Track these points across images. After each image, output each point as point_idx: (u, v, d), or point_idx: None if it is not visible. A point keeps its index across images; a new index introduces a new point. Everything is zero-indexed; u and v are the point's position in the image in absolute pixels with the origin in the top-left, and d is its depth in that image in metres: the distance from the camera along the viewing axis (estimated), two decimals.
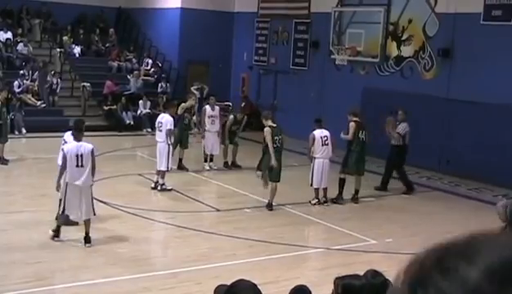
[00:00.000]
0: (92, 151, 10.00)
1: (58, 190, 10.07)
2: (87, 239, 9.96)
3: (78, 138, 10.04)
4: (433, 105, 17.67)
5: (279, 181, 12.81)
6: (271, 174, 12.67)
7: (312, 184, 13.35)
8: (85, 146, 9.94)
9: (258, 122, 14.69)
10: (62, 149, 10.15)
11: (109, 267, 9.18)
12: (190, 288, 8.54)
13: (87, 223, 9.97)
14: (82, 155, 9.80)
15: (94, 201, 10.18)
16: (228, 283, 3.90)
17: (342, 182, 13.63)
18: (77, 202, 9.86)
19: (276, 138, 12.62)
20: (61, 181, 9.97)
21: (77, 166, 9.78)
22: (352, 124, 13.76)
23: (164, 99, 22.77)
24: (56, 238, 10.07)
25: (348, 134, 13.73)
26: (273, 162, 12.56)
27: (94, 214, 10.10)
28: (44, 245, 9.90)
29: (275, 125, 12.91)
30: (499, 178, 15.71)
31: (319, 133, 13.47)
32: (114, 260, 9.45)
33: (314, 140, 13.36)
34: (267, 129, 12.68)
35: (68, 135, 10.46)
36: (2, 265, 9.36)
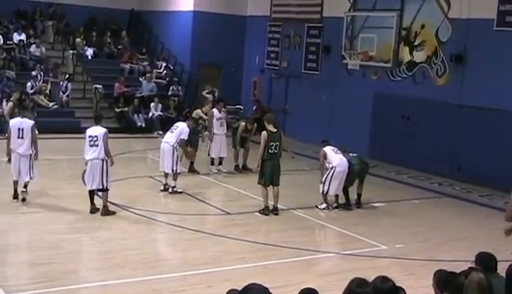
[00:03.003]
0: (32, 127, 12.16)
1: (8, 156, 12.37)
2: (23, 197, 12.27)
3: (22, 115, 12.55)
4: (445, 111, 17.61)
5: (278, 185, 12.76)
6: (264, 177, 12.65)
7: (327, 192, 13.29)
8: (27, 122, 12.21)
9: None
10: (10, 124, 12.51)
11: (119, 269, 9.19)
12: (201, 291, 8.54)
13: (25, 184, 12.31)
14: (22, 129, 12.09)
15: (32, 166, 12.26)
16: (238, 287, 3.91)
17: (346, 189, 13.59)
18: (17, 165, 12.15)
19: (272, 144, 12.53)
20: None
21: (18, 137, 12.11)
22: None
23: (176, 101, 22.89)
24: (14, 200, 12.21)
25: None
26: (257, 165, 12.67)
27: (30, 177, 12.28)
28: (55, 246, 9.94)
29: (275, 130, 12.73)
30: (511, 185, 15.61)
31: (328, 147, 13.48)
32: (125, 262, 9.46)
33: (325, 154, 13.34)
34: (263, 133, 12.68)
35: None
36: (13, 265, 9.42)
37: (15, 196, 12.36)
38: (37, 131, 13.96)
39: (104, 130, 11.82)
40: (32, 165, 12.36)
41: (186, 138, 14.03)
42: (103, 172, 11.68)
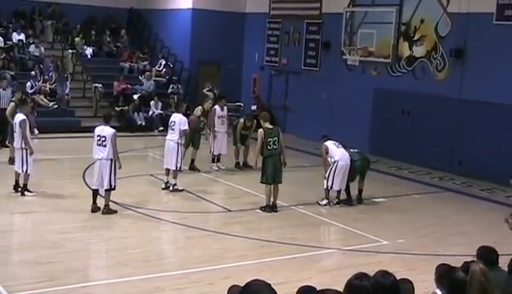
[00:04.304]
0: (21, 122, 12.67)
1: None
2: (22, 190, 12.74)
3: (20, 110, 13.23)
4: (445, 106, 17.60)
5: (281, 182, 12.75)
6: (266, 176, 12.64)
7: (331, 187, 13.27)
8: (18, 118, 12.84)
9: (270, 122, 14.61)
10: None
11: (121, 267, 9.20)
12: (202, 288, 8.55)
13: (22, 175, 12.80)
14: (15, 123, 12.89)
15: (25, 161, 12.66)
16: (240, 284, 3.90)
17: (347, 185, 13.56)
18: (15, 158, 12.99)
19: (270, 140, 12.51)
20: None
21: (14, 131, 13.04)
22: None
23: (176, 99, 22.90)
24: (13, 190, 12.84)
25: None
26: (255, 164, 12.70)
27: (22, 171, 12.68)
28: (57, 245, 9.96)
29: (271, 127, 12.81)
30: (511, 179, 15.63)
31: (329, 142, 13.46)
32: (126, 261, 9.47)
33: (327, 149, 13.31)
34: (260, 131, 12.70)
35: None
36: (14, 264, 9.44)
37: (15, 187, 12.84)
38: (36, 131, 14.12)
39: (112, 130, 11.78)
40: (24, 159, 12.64)
41: (187, 127, 14.08)
42: (111, 172, 11.69)
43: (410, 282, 4.72)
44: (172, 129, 14.00)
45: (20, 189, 12.81)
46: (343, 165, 13.15)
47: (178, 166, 13.86)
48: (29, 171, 12.73)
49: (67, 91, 21.99)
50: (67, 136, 19.51)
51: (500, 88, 16.24)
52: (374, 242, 11.14)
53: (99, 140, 11.70)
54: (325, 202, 13.38)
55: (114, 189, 11.79)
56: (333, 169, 13.15)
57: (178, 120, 13.99)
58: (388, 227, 12.18)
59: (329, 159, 13.27)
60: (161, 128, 21.14)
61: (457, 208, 14.14)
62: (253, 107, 22.73)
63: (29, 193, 12.74)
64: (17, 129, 12.75)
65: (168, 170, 14.02)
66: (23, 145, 12.68)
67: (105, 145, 11.62)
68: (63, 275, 8.68)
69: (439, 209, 13.92)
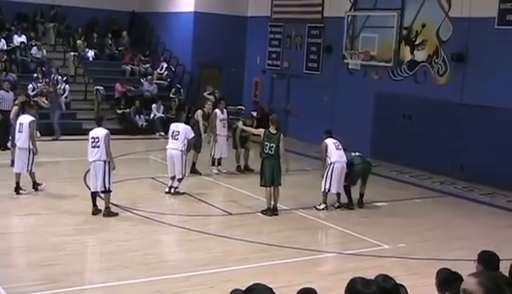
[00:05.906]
0: (30, 123, 12.93)
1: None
2: (34, 187, 13.12)
3: (26, 111, 13.46)
4: (447, 110, 17.60)
5: (280, 184, 12.74)
6: (265, 178, 12.66)
7: (328, 190, 13.25)
8: (27, 118, 13.05)
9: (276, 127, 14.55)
10: None
11: (122, 270, 9.20)
12: (203, 292, 8.54)
13: (27, 175, 13.05)
14: (22, 124, 13.05)
15: (31, 162, 12.97)
16: (241, 287, 3.91)
17: (348, 189, 13.57)
18: (16, 157, 13.15)
19: (267, 144, 12.54)
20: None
21: (18, 131, 13.10)
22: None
23: (177, 101, 22.91)
24: (14, 193, 12.89)
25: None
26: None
27: (26, 171, 12.95)
28: (58, 247, 9.95)
29: (274, 132, 12.67)
30: None
31: (330, 140, 13.43)
32: (127, 263, 9.47)
33: (327, 147, 13.30)
34: (262, 130, 12.84)
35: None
36: (17, 266, 9.44)
37: (16, 189, 12.92)
38: (39, 134, 14.16)
39: (105, 131, 11.87)
40: (29, 159, 12.95)
41: (193, 135, 14.09)
42: (105, 174, 11.72)
43: (403, 286, 4.73)
44: (176, 139, 13.92)
45: (21, 191, 12.91)
46: (338, 167, 13.13)
47: (184, 172, 13.88)
48: (33, 170, 13.06)
49: (66, 93, 21.69)
50: (68, 139, 19.51)
51: (501, 92, 16.25)
52: (375, 246, 11.13)
53: (93, 141, 11.80)
54: (322, 206, 13.32)
55: (109, 191, 11.81)
56: (329, 171, 13.14)
57: (183, 130, 13.94)
58: (389, 231, 12.17)
59: (327, 159, 13.23)
60: (162, 133, 21.14)
61: (458, 213, 14.13)
62: (254, 113, 22.68)
63: (41, 186, 13.22)
64: (26, 129, 12.89)
65: (173, 177, 13.98)
66: (30, 146, 12.86)
67: (98, 146, 11.71)
68: (64, 278, 8.68)
69: (440, 213, 13.92)
